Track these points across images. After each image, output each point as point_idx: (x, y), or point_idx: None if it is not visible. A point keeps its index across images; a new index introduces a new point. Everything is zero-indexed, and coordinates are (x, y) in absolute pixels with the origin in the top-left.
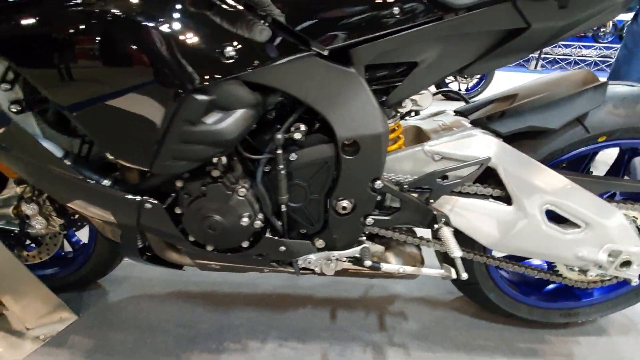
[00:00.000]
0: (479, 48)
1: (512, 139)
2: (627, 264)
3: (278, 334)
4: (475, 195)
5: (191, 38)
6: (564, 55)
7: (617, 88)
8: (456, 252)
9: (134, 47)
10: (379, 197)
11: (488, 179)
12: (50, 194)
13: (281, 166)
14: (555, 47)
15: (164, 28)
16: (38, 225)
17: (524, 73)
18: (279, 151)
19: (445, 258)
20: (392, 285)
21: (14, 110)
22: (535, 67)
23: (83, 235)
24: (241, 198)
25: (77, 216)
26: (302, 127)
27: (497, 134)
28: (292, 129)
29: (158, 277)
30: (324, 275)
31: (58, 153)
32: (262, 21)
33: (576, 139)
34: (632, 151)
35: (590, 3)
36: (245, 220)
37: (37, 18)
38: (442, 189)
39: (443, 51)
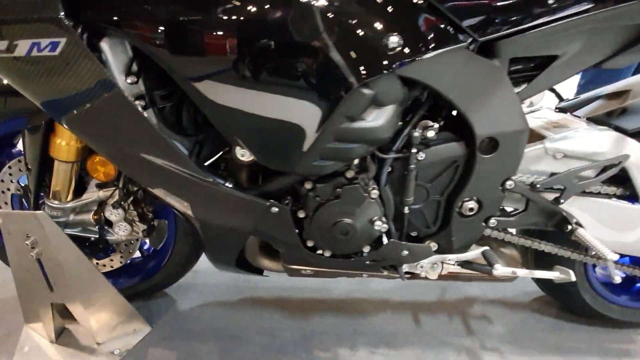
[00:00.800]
0: (620, 42)
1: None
2: None
3: (366, 340)
4: (598, 194)
5: (358, 26)
6: None
7: None
8: (609, 254)
9: (294, 35)
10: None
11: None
12: (145, 185)
13: (412, 166)
14: None
15: (332, 15)
16: (122, 231)
17: None
18: (414, 150)
19: (548, 259)
20: (464, 287)
21: (139, 106)
22: None
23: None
24: (373, 200)
25: (155, 222)
26: (435, 125)
27: (622, 131)
28: (422, 126)
29: (224, 283)
30: (427, 279)
31: (184, 151)
32: (422, 9)
33: None
34: None
35: None
36: (378, 224)
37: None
38: (575, 188)
39: (585, 44)
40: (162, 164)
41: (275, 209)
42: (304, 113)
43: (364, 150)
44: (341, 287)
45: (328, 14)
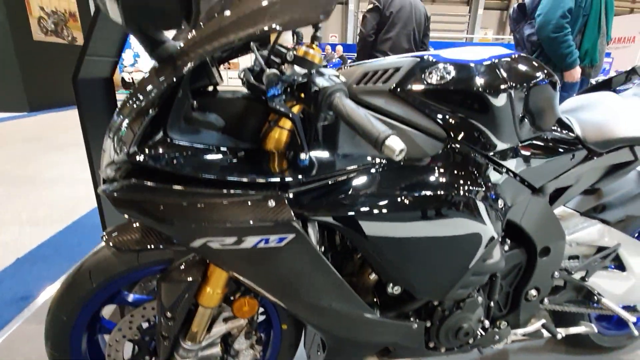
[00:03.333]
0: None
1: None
2: None
3: None
4: (603, 268)
5: None
6: None
7: None
8: (630, 316)
9: None
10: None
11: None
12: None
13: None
14: None
15: None
16: (248, 358)
17: None
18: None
19: (561, 319)
20: None
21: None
22: None
23: None
24: (480, 306)
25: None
26: (508, 241)
27: (608, 223)
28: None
29: None
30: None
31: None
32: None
33: None
34: None
35: None
36: (485, 322)
37: None
38: (595, 269)
39: (582, 178)
40: (344, 309)
41: (415, 325)
42: (465, 252)
43: (486, 277)
44: None
45: None
